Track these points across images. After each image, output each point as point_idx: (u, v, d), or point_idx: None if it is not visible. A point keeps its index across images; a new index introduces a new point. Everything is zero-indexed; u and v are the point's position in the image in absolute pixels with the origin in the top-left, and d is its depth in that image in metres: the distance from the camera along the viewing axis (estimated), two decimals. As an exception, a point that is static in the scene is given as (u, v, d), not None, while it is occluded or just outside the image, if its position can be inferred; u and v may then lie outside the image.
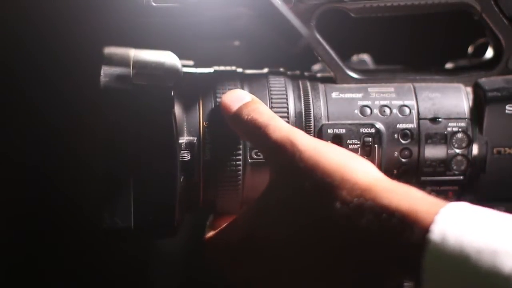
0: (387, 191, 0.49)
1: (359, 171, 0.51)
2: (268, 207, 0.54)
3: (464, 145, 0.60)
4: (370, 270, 0.49)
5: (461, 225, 0.45)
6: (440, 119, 0.60)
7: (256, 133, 0.56)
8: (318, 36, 0.61)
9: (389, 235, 0.47)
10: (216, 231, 0.58)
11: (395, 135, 0.59)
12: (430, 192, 0.50)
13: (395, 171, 0.60)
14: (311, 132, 0.59)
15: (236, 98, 0.58)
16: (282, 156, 0.54)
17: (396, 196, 0.48)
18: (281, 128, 0.55)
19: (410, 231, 0.46)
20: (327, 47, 0.62)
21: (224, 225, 0.58)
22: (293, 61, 0.65)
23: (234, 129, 0.58)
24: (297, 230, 0.52)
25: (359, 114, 0.60)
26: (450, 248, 0.44)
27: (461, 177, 0.60)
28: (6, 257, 0.83)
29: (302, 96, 0.60)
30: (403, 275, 0.50)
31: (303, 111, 0.60)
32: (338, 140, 0.59)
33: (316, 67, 0.68)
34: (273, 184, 0.55)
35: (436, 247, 0.45)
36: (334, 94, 0.60)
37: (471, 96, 0.61)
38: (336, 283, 0.51)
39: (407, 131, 0.60)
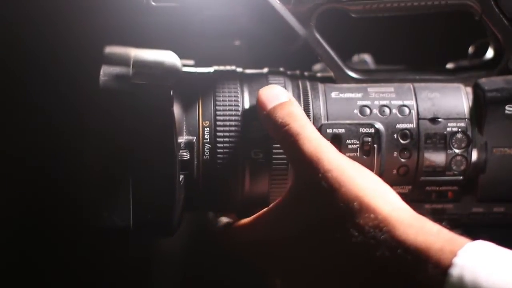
0: (405, 225, 0.49)
1: (379, 200, 0.51)
2: (287, 216, 0.55)
3: (463, 145, 0.60)
4: None
5: (479, 270, 0.45)
6: (439, 119, 0.60)
7: (286, 139, 0.56)
8: (318, 36, 0.61)
9: (404, 271, 0.48)
10: (233, 227, 0.59)
11: (395, 135, 0.59)
12: (444, 225, 0.50)
13: (394, 171, 0.60)
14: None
15: (273, 95, 0.58)
16: (307, 172, 0.54)
17: (413, 230, 0.49)
18: (311, 141, 0.55)
19: (425, 270, 0.46)
20: (327, 47, 0.62)
21: (240, 223, 0.58)
22: (293, 61, 0.65)
23: (266, 127, 0.58)
24: (312, 248, 0.53)
25: (359, 114, 0.60)
26: None
27: (461, 177, 0.60)
28: (4, 256, 0.83)
29: (301, 96, 0.60)
30: None
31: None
32: (337, 140, 0.59)
33: (316, 67, 0.68)
34: (294, 195, 0.55)
35: None
36: (333, 94, 0.60)
37: (471, 96, 0.61)
38: None
39: (407, 131, 0.59)
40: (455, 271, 0.45)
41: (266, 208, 0.57)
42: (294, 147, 0.55)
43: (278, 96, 0.58)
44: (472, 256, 0.46)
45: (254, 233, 0.57)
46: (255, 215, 0.57)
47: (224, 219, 0.61)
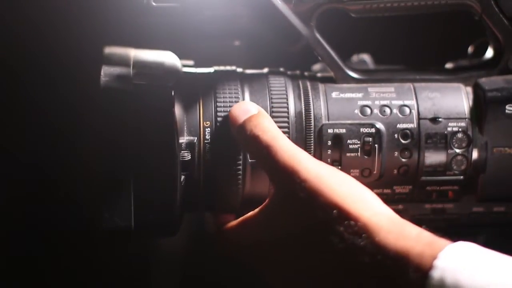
0: (384, 230, 0.49)
1: (358, 206, 0.51)
2: (268, 225, 0.55)
3: (464, 145, 0.60)
4: None
5: (460, 271, 0.45)
6: (440, 119, 0.60)
7: (258, 152, 0.56)
8: (318, 36, 0.61)
9: (385, 276, 0.48)
10: (224, 228, 0.59)
11: (395, 135, 0.59)
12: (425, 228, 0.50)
13: (395, 171, 0.60)
14: (311, 132, 0.59)
15: (243, 110, 0.58)
16: (284, 182, 0.54)
17: (392, 236, 0.49)
18: (283, 151, 0.55)
19: (406, 275, 0.47)
20: (327, 47, 0.62)
21: (228, 225, 0.59)
22: (293, 61, 0.65)
23: (239, 143, 0.58)
24: (294, 257, 0.53)
25: (359, 114, 0.60)
26: None
27: (461, 177, 0.60)
28: (5, 256, 0.83)
29: (302, 96, 0.60)
30: None
31: (303, 111, 0.60)
32: (338, 140, 0.59)
33: (316, 67, 0.68)
34: (273, 204, 0.55)
35: None
36: (334, 94, 0.60)
37: (471, 96, 0.61)
38: None
39: (407, 131, 0.60)
40: (436, 274, 0.45)
41: (252, 212, 0.57)
42: (267, 159, 0.55)
43: (247, 110, 0.58)
44: (453, 258, 0.46)
45: (241, 236, 0.57)
46: (240, 218, 0.58)
47: (220, 220, 0.61)
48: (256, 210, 0.57)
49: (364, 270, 0.49)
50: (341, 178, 0.54)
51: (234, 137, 0.58)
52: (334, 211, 0.51)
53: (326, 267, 0.51)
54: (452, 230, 0.64)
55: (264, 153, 0.55)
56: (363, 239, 0.49)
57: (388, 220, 0.51)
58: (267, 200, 0.56)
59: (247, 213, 0.59)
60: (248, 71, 0.63)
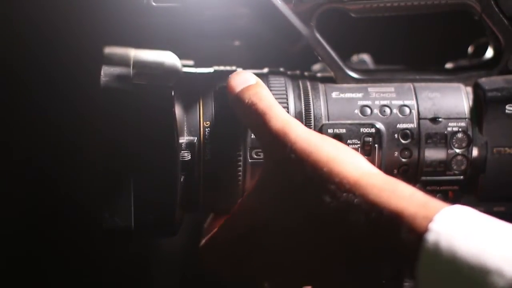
0: (377, 188, 0.49)
1: (348, 164, 0.52)
2: (263, 198, 0.55)
3: (464, 145, 0.60)
4: (363, 265, 0.49)
5: (455, 235, 0.44)
6: (440, 119, 0.60)
7: (254, 120, 0.56)
8: (318, 36, 0.61)
9: (379, 235, 0.48)
10: (215, 230, 0.58)
11: (395, 135, 0.59)
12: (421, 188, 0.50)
13: (395, 171, 0.60)
14: (311, 132, 0.59)
15: (241, 80, 0.58)
16: (275, 147, 0.54)
17: (385, 194, 0.49)
18: (277, 118, 0.55)
19: (399, 235, 0.46)
20: (327, 47, 0.62)
21: (221, 223, 0.58)
22: (293, 61, 0.65)
23: (235, 112, 0.58)
24: (292, 222, 0.53)
25: (359, 114, 0.60)
26: (443, 261, 0.44)
27: (461, 177, 0.60)
28: (6, 256, 0.83)
29: (302, 96, 0.60)
30: (395, 273, 0.49)
31: (303, 110, 0.60)
32: (338, 139, 0.59)
33: (316, 67, 0.68)
34: (266, 175, 0.55)
35: (429, 258, 0.45)
36: (334, 94, 0.60)
37: (471, 96, 0.61)
38: (332, 276, 0.51)
39: (407, 131, 0.60)
40: (431, 237, 0.45)
41: (241, 198, 0.57)
42: (261, 126, 0.55)
43: (246, 80, 0.58)
44: (448, 222, 0.45)
45: (235, 225, 0.57)
46: (235, 207, 0.57)
47: (209, 219, 0.61)
48: (245, 193, 0.57)
49: (358, 229, 0.49)
50: (331, 141, 0.54)
51: (232, 131, 0.58)
52: (324, 169, 0.51)
53: (322, 228, 0.51)
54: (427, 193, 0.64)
55: (259, 120, 0.55)
56: (356, 197, 0.49)
57: (379, 178, 0.51)
58: (258, 177, 0.56)
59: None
60: (248, 71, 0.63)
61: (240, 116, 0.58)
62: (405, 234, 0.46)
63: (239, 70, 0.60)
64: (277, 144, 0.54)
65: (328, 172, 0.51)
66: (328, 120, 0.59)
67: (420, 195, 0.49)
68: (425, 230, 0.45)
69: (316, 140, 0.53)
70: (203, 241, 0.59)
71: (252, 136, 0.59)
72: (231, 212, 0.57)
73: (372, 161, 0.59)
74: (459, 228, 0.45)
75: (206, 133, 0.58)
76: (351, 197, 0.49)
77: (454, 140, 0.60)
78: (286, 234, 0.53)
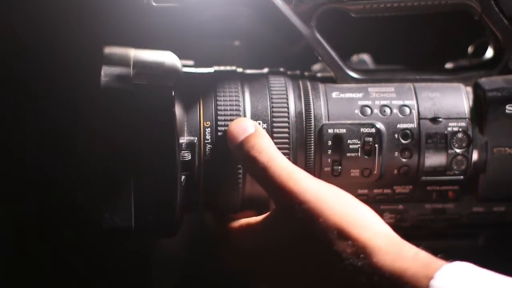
0: (382, 251, 0.50)
1: (358, 226, 0.52)
2: (269, 239, 0.55)
3: (464, 145, 0.60)
4: None
5: None
6: (440, 119, 0.60)
7: (256, 173, 0.56)
8: (318, 36, 0.61)
9: None
10: (226, 230, 0.59)
11: (396, 135, 0.59)
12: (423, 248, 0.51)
13: (395, 171, 0.60)
14: (311, 132, 0.59)
15: (240, 128, 0.58)
16: (282, 203, 0.54)
17: (390, 256, 0.50)
18: (280, 173, 0.55)
19: None
20: (327, 47, 0.62)
21: (233, 226, 0.59)
22: (293, 61, 0.65)
23: (238, 162, 0.58)
24: (294, 273, 0.54)
25: (360, 114, 0.60)
26: None
27: (461, 177, 0.60)
28: (6, 256, 0.83)
29: (302, 96, 0.60)
30: None
31: (303, 111, 0.60)
32: (338, 140, 0.59)
33: (316, 67, 0.68)
34: (275, 218, 0.56)
35: None
36: (334, 94, 0.60)
37: (471, 96, 0.61)
38: None
39: (408, 131, 0.60)
40: None
41: (255, 219, 0.57)
42: (266, 180, 0.55)
43: (245, 129, 0.57)
44: (448, 278, 0.46)
45: (242, 239, 0.58)
46: (243, 221, 0.58)
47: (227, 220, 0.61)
48: (259, 218, 0.57)
49: None
50: (340, 197, 0.54)
51: (232, 155, 0.58)
52: (334, 231, 0.51)
53: (323, 285, 0.52)
54: (452, 230, 0.64)
55: (262, 175, 0.55)
56: (360, 260, 0.50)
57: (387, 240, 0.51)
58: (269, 212, 0.56)
59: (248, 213, 0.60)
60: (248, 71, 0.63)
61: (244, 168, 0.58)
62: None
63: (240, 118, 0.59)
64: (283, 201, 0.54)
65: (336, 235, 0.51)
66: (328, 120, 0.59)
67: (424, 254, 0.50)
68: (426, 287, 0.46)
69: (326, 199, 0.53)
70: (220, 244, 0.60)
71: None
72: (237, 226, 0.58)
73: (372, 161, 0.59)
74: (459, 284, 0.46)
75: (207, 133, 0.58)
76: (356, 260, 0.50)
77: (454, 140, 0.60)
78: (285, 278, 0.55)
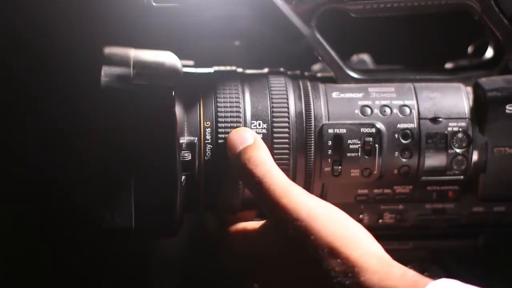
0: (370, 271, 0.51)
1: (349, 245, 0.52)
2: (266, 244, 0.56)
3: (464, 145, 0.60)
4: None
5: None
6: (440, 119, 0.60)
7: (251, 186, 0.56)
8: (318, 36, 0.61)
9: None
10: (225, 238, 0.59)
11: (396, 135, 0.60)
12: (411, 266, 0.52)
13: (395, 171, 0.60)
14: (312, 132, 0.59)
15: (239, 139, 0.58)
16: (276, 218, 0.55)
17: (377, 276, 0.50)
18: (275, 188, 0.55)
19: None
20: (327, 47, 0.62)
21: (233, 229, 0.59)
22: (293, 61, 0.65)
23: (235, 172, 0.58)
24: (284, 282, 0.55)
25: (360, 114, 0.60)
26: None
27: (461, 177, 0.60)
28: (6, 256, 0.83)
29: (302, 96, 0.60)
30: None
31: (303, 111, 0.60)
32: (338, 140, 0.59)
33: (316, 67, 0.68)
34: (268, 232, 0.56)
35: None
36: (334, 94, 0.60)
37: (471, 96, 0.61)
38: None
39: (408, 131, 0.60)
40: None
41: (253, 224, 0.58)
42: (260, 194, 0.55)
43: (244, 140, 0.58)
44: None
45: (240, 242, 0.58)
46: (243, 224, 0.59)
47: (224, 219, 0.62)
48: (256, 224, 0.57)
49: None
50: (333, 216, 0.54)
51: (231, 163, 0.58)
52: (325, 249, 0.52)
53: None
54: (452, 230, 0.64)
55: (257, 188, 0.55)
56: (348, 278, 0.51)
57: (376, 260, 0.52)
58: (265, 221, 0.57)
59: (248, 213, 0.60)
60: (248, 71, 0.63)
61: (239, 179, 0.58)
62: None
63: (240, 128, 0.59)
64: (277, 216, 0.54)
65: (327, 253, 0.52)
66: (329, 120, 0.59)
67: (411, 274, 0.50)
68: None
69: (319, 216, 0.53)
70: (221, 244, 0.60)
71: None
72: (236, 229, 0.58)
73: (372, 161, 0.59)
74: None
75: (207, 133, 0.58)
76: (344, 279, 0.51)
77: (454, 140, 0.60)
78: (276, 285, 0.55)
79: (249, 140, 0.57)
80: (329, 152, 0.59)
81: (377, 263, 0.51)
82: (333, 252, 0.52)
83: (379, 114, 0.60)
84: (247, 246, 0.57)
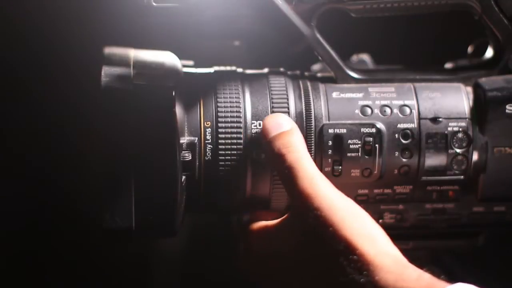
0: (385, 270, 0.50)
1: (365, 243, 0.52)
2: (284, 239, 0.56)
3: (464, 145, 0.60)
4: None
5: None
6: (440, 119, 0.60)
7: (282, 171, 0.56)
8: (318, 36, 0.61)
9: None
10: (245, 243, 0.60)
11: (396, 135, 0.60)
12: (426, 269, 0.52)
13: (395, 171, 0.60)
14: (312, 132, 0.59)
15: (275, 124, 0.58)
16: (298, 205, 0.55)
17: (392, 276, 0.50)
18: (304, 176, 0.55)
19: None
20: (328, 47, 0.62)
21: (253, 228, 0.59)
22: (293, 61, 0.65)
23: (266, 155, 0.58)
24: (300, 278, 0.55)
25: (360, 114, 0.60)
26: None
27: (462, 176, 0.60)
28: (6, 256, 0.83)
29: (302, 96, 0.60)
30: None
31: (303, 111, 0.60)
32: (338, 140, 0.59)
33: (316, 67, 0.68)
34: (289, 221, 0.56)
35: None
36: (334, 94, 0.61)
37: (471, 96, 0.61)
38: None
39: (408, 131, 0.60)
40: None
41: (273, 222, 0.58)
42: (288, 180, 0.56)
43: (280, 125, 0.58)
44: None
45: (260, 242, 0.58)
46: (262, 224, 0.58)
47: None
48: (276, 220, 0.57)
49: None
50: (354, 212, 0.54)
51: (233, 131, 0.58)
52: (342, 243, 0.52)
53: None
54: (452, 230, 0.64)
55: (286, 173, 0.56)
56: (363, 276, 0.50)
57: (392, 260, 0.51)
58: (286, 215, 0.57)
59: (248, 214, 0.60)
60: (248, 71, 0.63)
61: (269, 163, 0.58)
62: None
63: (277, 113, 0.59)
64: (300, 203, 0.54)
65: (343, 248, 0.52)
66: (329, 120, 0.60)
67: (427, 277, 0.50)
68: None
69: (340, 210, 0.53)
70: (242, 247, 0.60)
71: (253, 137, 0.59)
72: (257, 228, 0.58)
73: (373, 161, 0.59)
74: None
75: (207, 133, 0.58)
76: (358, 276, 0.50)
77: (454, 140, 0.60)
78: (290, 282, 0.55)
79: (285, 126, 0.58)
80: (329, 152, 0.59)
81: (393, 263, 0.51)
82: (349, 247, 0.51)
83: (379, 114, 0.60)
84: (267, 243, 0.57)
